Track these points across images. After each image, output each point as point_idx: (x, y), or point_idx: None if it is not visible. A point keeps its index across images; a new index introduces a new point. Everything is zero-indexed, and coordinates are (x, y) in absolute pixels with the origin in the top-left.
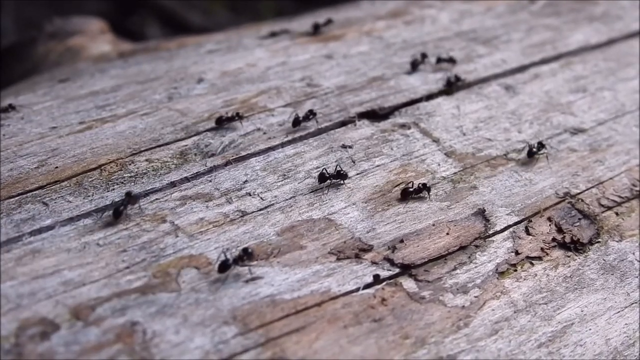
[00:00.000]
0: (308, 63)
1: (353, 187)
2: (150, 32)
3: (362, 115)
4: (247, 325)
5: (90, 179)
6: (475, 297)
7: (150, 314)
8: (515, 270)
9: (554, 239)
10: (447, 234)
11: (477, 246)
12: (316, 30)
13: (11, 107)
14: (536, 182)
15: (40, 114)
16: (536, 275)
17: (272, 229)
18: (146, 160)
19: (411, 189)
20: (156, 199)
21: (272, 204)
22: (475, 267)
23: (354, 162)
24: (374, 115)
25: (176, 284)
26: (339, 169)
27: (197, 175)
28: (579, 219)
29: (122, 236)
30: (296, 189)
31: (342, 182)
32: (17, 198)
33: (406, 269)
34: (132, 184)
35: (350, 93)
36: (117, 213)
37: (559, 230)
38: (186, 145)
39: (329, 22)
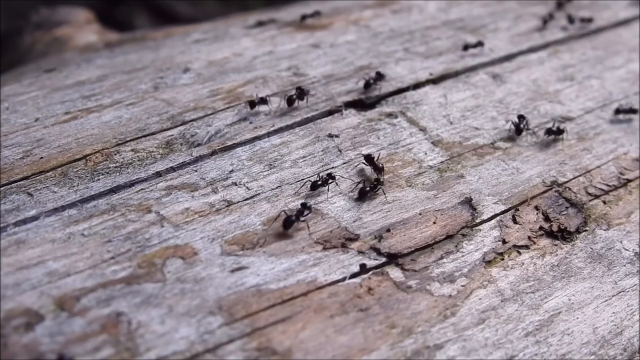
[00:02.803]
0: (295, 52)
1: (340, 176)
2: (138, 22)
3: (349, 105)
4: (233, 315)
5: (75, 169)
6: (462, 286)
7: (135, 305)
8: (503, 259)
9: (541, 228)
10: (434, 223)
11: (464, 235)
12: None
13: (317, 13)
14: (523, 171)
15: (26, 104)
16: (523, 264)
17: (258, 218)
18: (132, 150)
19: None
20: (141, 189)
21: (258, 194)
22: (462, 256)
23: (340, 152)
24: (361, 105)
25: (161, 274)
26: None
27: (182, 165)
28: (566, 207)
29: (107, 226)
30: (282, 179)
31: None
32: (1, 188)
33: (393, 258)
34: (118, 174)
35: (337, 82)
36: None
37: (546, 218)
38: (172, 135)
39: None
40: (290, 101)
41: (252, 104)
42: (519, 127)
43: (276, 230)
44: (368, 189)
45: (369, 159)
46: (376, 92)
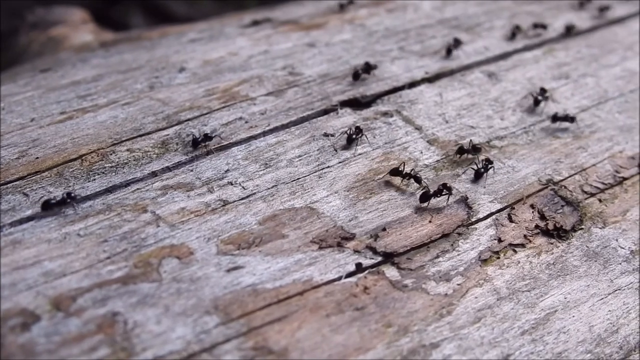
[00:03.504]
0: (290, 51)
1: (335, 175)
2: (134, 21)
3: (345, 104)
4: (229, 314)
5: (71, 169)
6: (458, 285)
7: (131, 304)
8: (498, 258)
9: (536, 226)
10: (430, 222)
11: (459, 234)
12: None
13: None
14: (519, 169)
15: (21, 105)
16: (519, 262)
17: (253, 218)
18: (127, 150)
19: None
20: (137, 188)
21: (254, 193)
22: (458, 254)
23: (336, 151)
24: (356, 104)
25: (157, 274)
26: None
27: (178, 165)
28: (562, 205)
29: (103, 226)
30: (278, 178)
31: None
32: None
33: (389, 257)
34: (114, 174)
35: (333, 81)
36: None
37: (542, 217)
38: (167, 135)
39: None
40: (356, 75)
41: (195, 142)
42: (538, 100)
43: (416, 204)
44: (431, 193)
45: (396, 171)
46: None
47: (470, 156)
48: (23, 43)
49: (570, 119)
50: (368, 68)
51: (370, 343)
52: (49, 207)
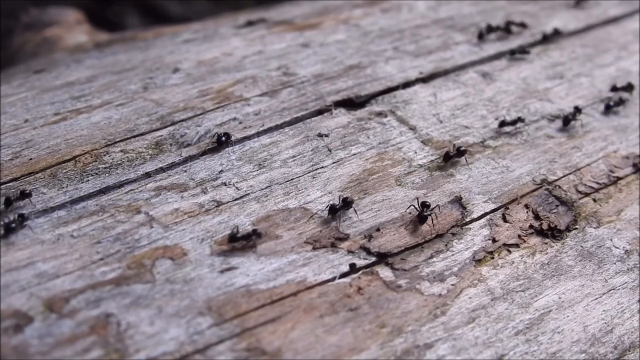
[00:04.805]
0: (284, 52)
1: (329, 176)
2: (129, 21)
3: (339, 104)
4: (223, 315)
5: (64, 171)
6: (452, 285)
7: (124, 306)
8: (492, 258)
9: (531, 226)
10: None
11: (454, 234)
12: None
13: None
14: (513, 169)
15: (15, 106)
16: (513, 262)
17: (247, 218)
18: (121, 150)
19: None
20: (131, 189)
21: (248, 194)
22: (452, 255)
23: (330, 151)
24: (351, 104)
25: (151, 275)
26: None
27: (172, 166)
28: (556, 205)
29: (96, 227)
30: (272, 179)
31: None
32: None
33: (382, 258)
34: (107, 175)
35: (327, 81)
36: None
37: (536, 217)
38: (161, 136)
39: None
40: (480, 35)
41: (22, 194)
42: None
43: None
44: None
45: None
46: None
47: (511, 127)
48: (17, 44)
49: (518, 121)
50: (491, 29)
51: (364, 343)
52: (222, 143)
